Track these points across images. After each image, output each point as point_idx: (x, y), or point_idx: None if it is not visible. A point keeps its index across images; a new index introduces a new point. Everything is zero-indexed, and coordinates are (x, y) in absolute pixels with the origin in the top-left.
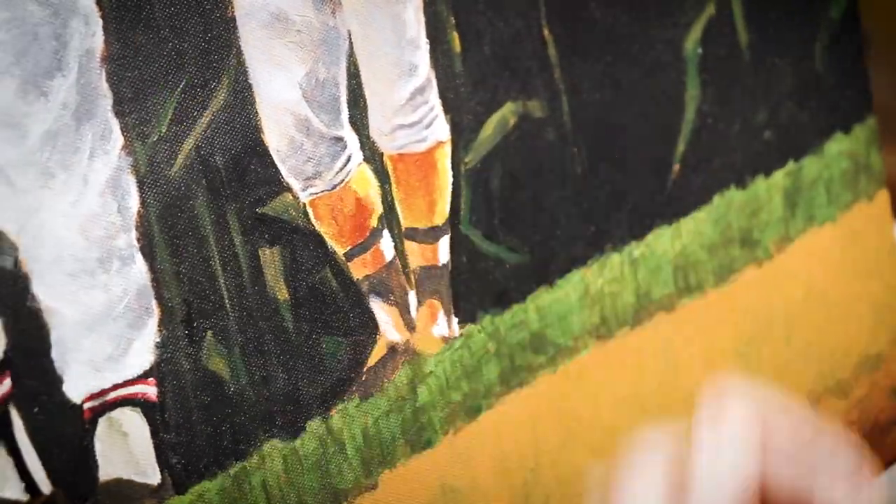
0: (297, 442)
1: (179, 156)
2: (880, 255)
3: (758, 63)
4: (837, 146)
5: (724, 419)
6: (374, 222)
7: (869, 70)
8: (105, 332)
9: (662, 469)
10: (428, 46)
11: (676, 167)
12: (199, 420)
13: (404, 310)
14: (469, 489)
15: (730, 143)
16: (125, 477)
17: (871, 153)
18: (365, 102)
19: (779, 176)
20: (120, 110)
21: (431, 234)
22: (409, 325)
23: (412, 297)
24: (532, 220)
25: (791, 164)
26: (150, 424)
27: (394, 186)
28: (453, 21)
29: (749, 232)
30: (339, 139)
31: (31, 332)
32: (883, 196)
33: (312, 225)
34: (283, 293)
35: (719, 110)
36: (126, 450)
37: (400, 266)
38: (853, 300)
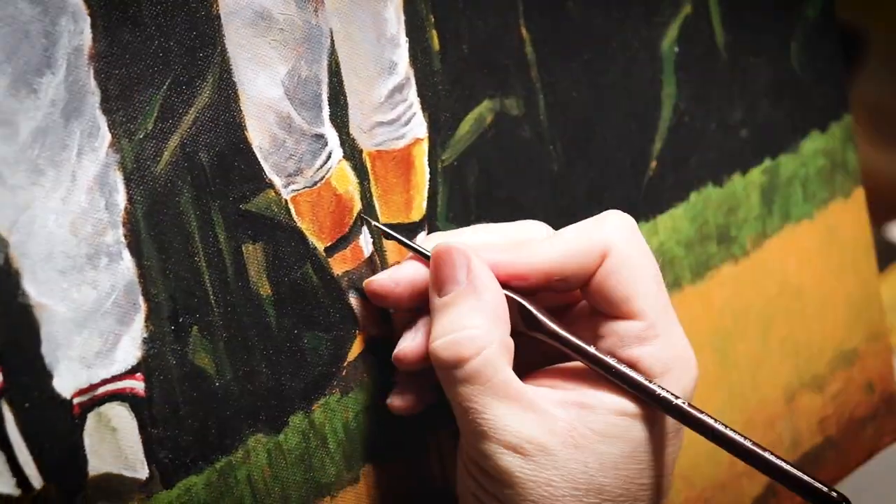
0: (281, 436)
1: (165, 153)
2: (856, 251)
3: (734, 62)
4: (814, 144)
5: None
6: (353, 219)
7: (840, 68)
8: (94, 328)
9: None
10: (407, 44)
11: (653, 165)
12: (185, 415)
13: None
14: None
15: (707, 140)
16: (114, 471)
17: (848, 151)
18: (345, 100)
19: (755, 174)
20: (107, 108)
21: (409, 231)
22: (387, 321)
23: None
24: (508, 218)
25: (768, 162)
26: (138, 419)
27: (372, 183)
28: (433, 19)
29: (726, 229)
30: (320, 136)
31: (22, 328)
32: (859, 194)
33: (294, 221)
34: (265, 289)
35: (696, 108)
36: (115, 444)
37: (378, 262)
38: (829, 296)
